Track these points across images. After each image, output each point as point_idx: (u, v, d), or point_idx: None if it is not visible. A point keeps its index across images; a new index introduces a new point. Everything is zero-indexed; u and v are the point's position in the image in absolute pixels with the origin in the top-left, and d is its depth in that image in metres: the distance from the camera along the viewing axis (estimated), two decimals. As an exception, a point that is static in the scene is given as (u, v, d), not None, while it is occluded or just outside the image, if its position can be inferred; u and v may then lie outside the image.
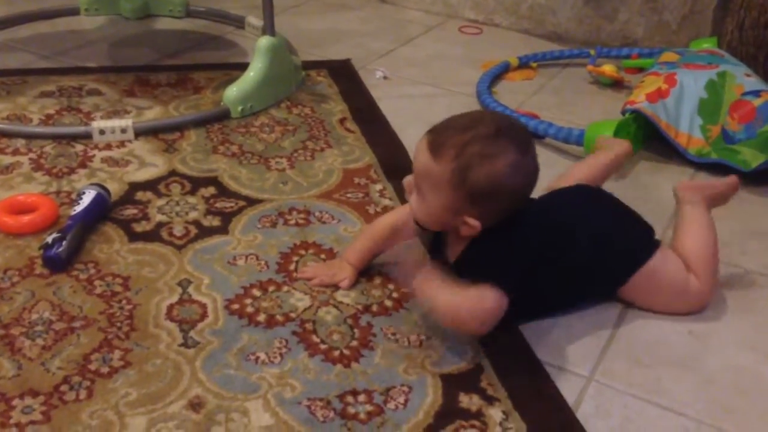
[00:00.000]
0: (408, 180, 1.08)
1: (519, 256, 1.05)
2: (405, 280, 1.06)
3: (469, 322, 1.02)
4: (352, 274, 1.17)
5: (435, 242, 1.12)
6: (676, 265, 1.15)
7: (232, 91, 1.65)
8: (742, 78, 1.59)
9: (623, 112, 1.59)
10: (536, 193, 1.10)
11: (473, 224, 1.02)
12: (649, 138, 1.62)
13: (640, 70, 1.92)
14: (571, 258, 1.10)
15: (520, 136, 1.03)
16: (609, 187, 1.47)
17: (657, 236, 1.20)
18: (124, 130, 1.54)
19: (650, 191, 1.48)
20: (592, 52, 1.99)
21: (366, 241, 1.20)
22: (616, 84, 1.89)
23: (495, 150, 0.99)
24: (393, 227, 1.18)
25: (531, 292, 1.06)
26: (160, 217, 1.31)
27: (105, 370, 1.00)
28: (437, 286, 1.03)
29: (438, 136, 1.02)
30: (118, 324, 1.08)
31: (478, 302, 1.00)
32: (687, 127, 1.56)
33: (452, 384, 1.00)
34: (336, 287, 1.16)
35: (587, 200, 1.21)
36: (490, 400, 0.98)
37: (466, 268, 1.07)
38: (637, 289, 1.14)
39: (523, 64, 1.98)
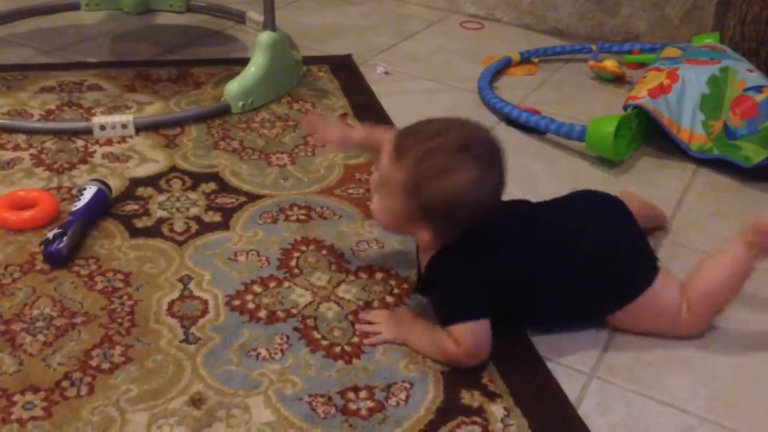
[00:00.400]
0: (373, 178, 1.07)
1: (479, 272, 1.02)
2: (386, 335, 1.06)
3: (459, 365, 1.01)
4: (333, 138, 1.21)
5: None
6: (669, 295, 1.07)
7: (233, 87, 1.65)
8: (745, 73, 1.59)
9: (625, 108, 1.59)
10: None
11: (425, 237, 1.01)
12: (650, 134, 1.61)
13: (642, 65, 1.91)
14: (551, 282, 1.04)
15: (486, 151, 0.99)
16: (610, 181, 1.48)
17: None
18: (124, 126, 1.54)
19: (652, 187, 1.48)
20: (594, 47, 1.99)
21: (360, 135, 1.23)
22: (618, 79, 1.89)
23: (455, 165, 0.97)
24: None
25: (507, 310, 1.04)
26: (160, 213, 1.31)
27: (106, 366, 1.00)
28: (415, 343, 1.04)
29: (404, 140, 1.00)
30: (119, 320, 1.08)
31: (454, 351, 1.00)
32: (689, 123, 1.56)
33: (454, 380, 1.00)
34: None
35: (597, 211, 1.13)
36: (492, 396, 0.98)
37: (428, 285, 1.08)
38: (625, 316, 1.08)
39: (525, 59, 1.98)
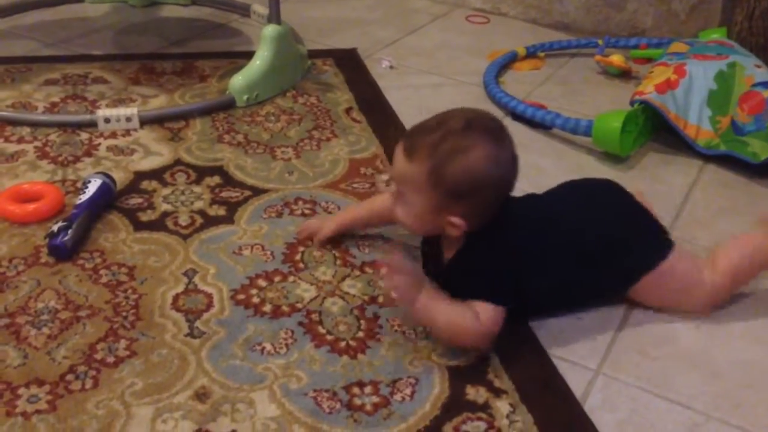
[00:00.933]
0: (393, 191, 1.09)
1: (508, 263, 1.03)
2: (405, 299, 1.02)
3: (468, 342, 1.02)
4: (329, 230, 1.21)
5: (435, 253, 1.11)
6: (688, 265, 1.12)
7: (238, 80, 1.64)
8: (752, 69, 1.58)
9: (632, 103, 1.58)
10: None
11: (458, 223, 1.01)
12: (657, 129, 1.60)
13: (649, 60, 1.90)
14: (572, 261, 1.07)
15: (490, 127, 1.02)
16: (616, 177, 1.47)
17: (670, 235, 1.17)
18: (129, 119, 1.54)
19: (659, 183, 1.47)
20: (600, 42, 1.98)
21: (363, 210, 1.24)
22: (625, 74, 1.88)
23: (467, 143, 0.99)
24: (392, 210, 1.15)
25: (529, 295, 1.05)
26: (165, 207, 1.31)
27: (111, 359, 1.00)
28: (435, 307, 1.02)
29: (411, 139, 1.02)
30: (124, 313, 1.08)
31: (473, 324, 1.00)
32: (696, 119, 1.55)
33: (459, 376, 1.00)
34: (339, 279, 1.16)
35: (595, 198, 1.16)
36: (497, 392, 0.98)
37: (455, 276, 1.07)
38: (647, 290, 1.11)
39: (531, 53, 1.97)
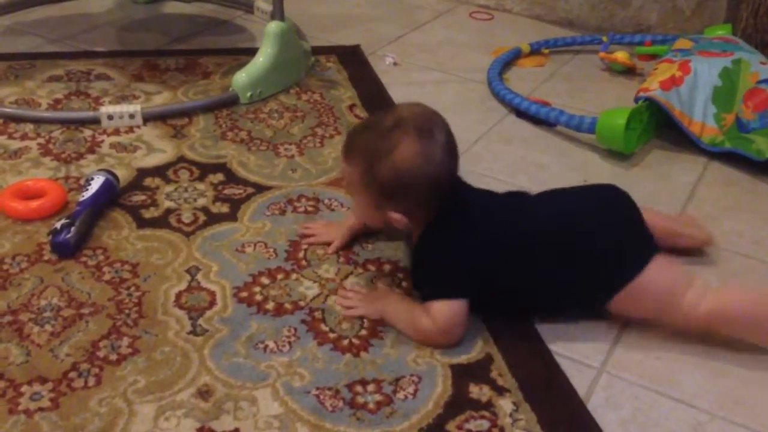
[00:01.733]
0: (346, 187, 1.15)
1: (458, 253, 1.04)
2: (358, 313, 1.09)
3: (432, 343, 1.03)
4: (342, 237, 1.21)
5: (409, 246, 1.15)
6: (672, 275, 1.06)
7: (241, 77, 1.64)
8: (758, 66, 1.57)
9: (636, 100, 1.57)
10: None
11: (397, 218, 1.05)
12: (661, 126, 1.60)
13: (654, 57, 1.89)
14: (537, 265, 1.05)
15: (418, 123, 1.02)
16: (620, 174, 1.47)
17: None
18: (132, 116, 1.53)
19: (663, 180, 1.47)
20: (605, 38, 1.97)
21: None
22: (629, 71, 1.87)
23: (394, 142, 1.01)
24: None
25: (495, 292, 1.05)
26: (168, 204, 1.31)
27: (113, 357, 1.00)
28: (394, 316, 1.06)
29: (348, 141, 1.08)
30: (127, 311, 1.07)
31: (427, 324, 1.02)
32: (701, 116, 1.54)
33: (462, 374, 1.00)
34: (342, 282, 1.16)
35: (584, 200, 1.13)
36: (501, 390, 0.98)
37: (414, 268, 1.11)
38: (624, 303, 1.05)
39: (535, 50, 1.96)
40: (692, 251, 1.23)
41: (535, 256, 1.05)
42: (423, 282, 1.09)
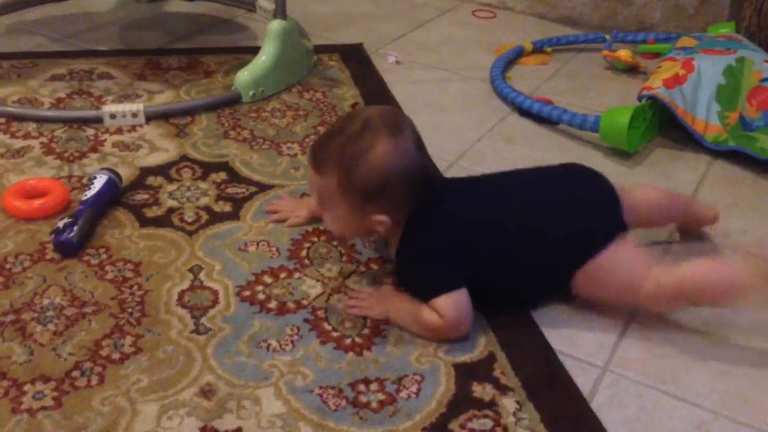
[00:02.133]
0: (315, 204, 1.14)
1: (444, 242, 1.05)
2: (364, 314, 1.08)
3: (444, 337, 1.03)
4: (303, 217, 1.24)
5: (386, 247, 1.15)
6: (636, 253, 1.08)
7: (244, 76, 1.64)
8: (761, 64, 1.56)
9: (640, 98, 1.57)
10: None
11: (381, 220, 1.04)
12: (665, 125, 1.59)
13: (657, 55, 1.89)
14: (507, 246, 1.07)
15: (386, 122, 1.03)
16: (623, 173, 1.46)
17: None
18: (135, 115, 1.53)
19: (666, 179, 1.46)
20: (608, 36, 1.97)
21: None
22: (632, 69, 1.87)
23: (366, 144, 1.01)
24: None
25: (479, 274, 1.05)
26: (171, 203, 1.31)
27: (116, 356, 1.00)
28: (402, 317, 1.06)
29: (315, 153, 1.06)
30: (130, 310, 1.07)
31: (437, 322, 1.02)
32: (704, 114, 1.54)
33: (465, 373, 1.00)
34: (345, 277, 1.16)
35: (545, 181, 1.15)
36: (504, 389, 0.97)
37: (402, 266, 1.10)
38: (587, 280, 1.07)
39: (538, 48, 1.96)
40: (699, 230, 1.27)
41: (506, 236, 1.07)
42: (417, 283, 1.08)
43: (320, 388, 0.97)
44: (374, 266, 1.18)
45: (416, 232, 1.06)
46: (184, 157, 1.44)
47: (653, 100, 1.54)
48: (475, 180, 1.21)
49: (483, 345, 1.04)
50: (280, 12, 1.69)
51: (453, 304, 1.02)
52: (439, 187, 1.11)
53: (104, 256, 1.18)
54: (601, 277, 1.07)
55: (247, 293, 1.11)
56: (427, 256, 1.06)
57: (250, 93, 1.64)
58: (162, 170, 1.40)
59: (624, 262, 1.07)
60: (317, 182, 1.06)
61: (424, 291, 1.05)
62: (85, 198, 1.25)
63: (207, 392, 0.95)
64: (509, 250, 1.07)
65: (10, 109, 1.56)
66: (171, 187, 1.35)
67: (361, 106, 1.08)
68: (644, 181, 1.44)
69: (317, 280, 1.15)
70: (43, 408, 0.92)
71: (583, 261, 1.06)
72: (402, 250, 1.08)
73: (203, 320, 1.06)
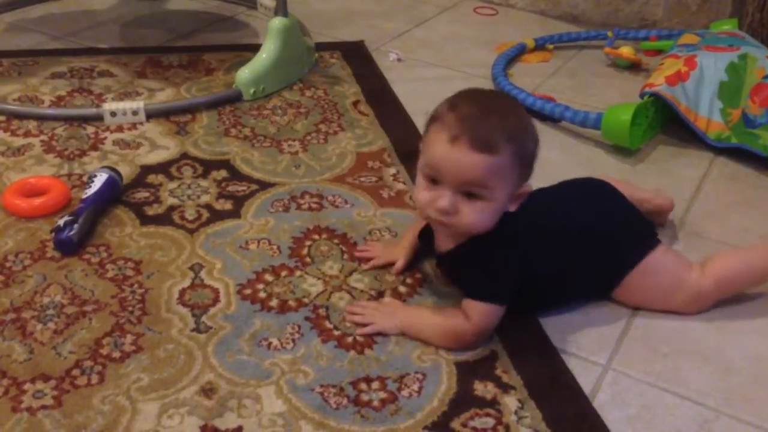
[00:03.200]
0: (450, 199, 0.97)
1: (512, 252, 1.02)
2: (379, 329, 1.05)
3: (463, 345, 1.02)
4: (406, 256, 1.15)
5: (430, 241, 1.10)
6: (674, 263, 1.11)
7: (244, 73, 1.63)
8: (764, 61, 1.56)
9: (642, 95, 1.56)
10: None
11: (527, 190, 1.02)
12: (667, 122, 1.59)
13: (659, 52, 1.88)
14: (560, 259, 1.06)
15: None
16: (625, 170, 1.46)
17: (666, 227, 1.18)
18: (135, 112, 1.53)
19: (669, 176, 1.46)
20: (610, 33, 1.96)
21: (419, 223, 1.14)
22: (634, 66, 1.86)
23: (519, 114, 1.01)
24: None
25: (530, 285, 1.04)
26: (171, 201, 1.30)
27: (117, 354, 1.00)
28: (418, 324, 1.04)
29: (475, 135, 0.93)
30: (130, 308, 1.07)
31: (463, 326, 1.01)
32: (707, 111, 1.53)
33: (467, 371, 0.99)
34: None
35: (584, 192, 1.16)
36: (506, 388, 0.97)
37: (460, 264, 1.05)
38: (630, 287, 1.09)
39: (539, 46, 1.95)
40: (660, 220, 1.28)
41: (564, 248, 1.06)
42: (473, 276, 1.03)
43: (321, 386, 0.96)
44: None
45: (494, 235, 1.01)
46: (185, 155, 1.43)
47: (655, 97, 1.54)
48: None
49: (484, 343, 1.03)
50: (281, 9, 1.68)
51: (488, 314, 1.01)
52: None
53: (105, 255, 1.17)
54: (646, 283, 1.09)
55: (247, 291, 1.11)
56: (496, 261, 1.02)
57: (251, 90, 1.63)
58: (162, 168, 1.39)
59: (669, 264, 1.10)
60: (487, 163, 0.93)
61: (476, 288, 1.01)
62: (86, 196, 1.24)
63: (208, 391, 0.95)
64: (566, 267, 1.07)
65: (10, 107, 1.56)
66: (172, 185, 1.34)
67: (462, 90, 1.03)
68: (647, 179, 1.43)
69: (318, 279, 1.14)
70: (43, 407, 0.92)
71: (622, 276, 1.09)
72: (466, 249, 1.03)
73: (204, 319, 1.06)
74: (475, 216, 0.97)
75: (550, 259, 1.05)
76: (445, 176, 0.96)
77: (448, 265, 1.09)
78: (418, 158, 1.02)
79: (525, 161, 0.99)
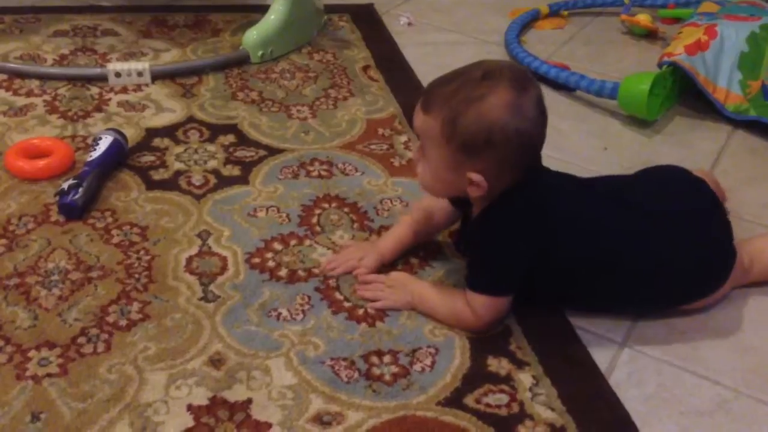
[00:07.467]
0: (415, 149, 1.01)
1: (529, 234, 0.96)
2: (390, 304, 1.02)
3: (468, 328, 0.99)
4: (372, 262, 1.07)
5: (466, 216, 1.06)
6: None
7: (252, 35, 1.59)
8: (786, 31, 1.52)
9: (660, 65, 1.52)
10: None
11: (477, 179, 0.93)
12: (684, 92, 1.55)
13: (677, 20, 1.84)
14: (606, 271, 0.99)
15: (514, 75, 0.93)
16: (642, 142, 1.43)
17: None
18: (140, 74, 1.49)
19: (686, 148, 1.42)
20: (627, 0, 1.91)
21: (399, 228, 1.11)
22: (651, 35, 1.82)
23: (483, 91, 0.90)
24: (426, 209, 1.10)
25: (544, 283, 1.00)
26: (178, 165, 1.27)
27: (123, 322, 0.98)
28: (428, 302, 1.01)
29: (428, 92, 0.95)
30: (136, 275, 1.05)
31: (465, 315, 0.98)
32: (726, 82, 1.50)
33: (480, 347, 0.97)
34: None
35: (661, 195, 1.06)
36: (520, 364, 0.95)
37: (472, 240, 1.02)
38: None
39: (554, 12, 1.90)
40: None
41: (618, 261, 0.99)
42: (475, 268, 1.00)
43: (332, 359, 0.94)
44: (387, 234, 1.15)
45: (505, 214, 0.96)
46: (191, 119, 1.40)
47: (674, 66, 1.50)
48: (566, 179, 1.06)
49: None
50: (291, -31, 1.64)
51: (492, 306, 0.97)
52: (545, 175, 1.01)
53: (110, 220, 1.15)
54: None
55: (256, 260, 1.09)
56: (500, 250, 0.97)
57: (259, 53, 1.59)
58: (168, 132, 1.36)
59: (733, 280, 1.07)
60: (421, 121, 0.95)
61: (478, 280, 0.98)
62: (90, 159, 1.21)
63: (216, 362, 0.93)
64: (614, 282, 1.00)
65: (13, 65, 1.52)
66: (178, 150, 1.31)
67: (483, 60, 0.97)
68: (664, 151, 1.40)
69: (328, 248, 1.12)
70: (49, 375, 0.90)
71: (710, 294, 1.05)
72: (481, 224, 0.99)
73: (212, 287, 1.04)
74: (420, 171, 0.99)
75: (600, 265, 0.99)
76: None
77: (469, 237, 1.05)
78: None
79: (459, 139, 0.91)
